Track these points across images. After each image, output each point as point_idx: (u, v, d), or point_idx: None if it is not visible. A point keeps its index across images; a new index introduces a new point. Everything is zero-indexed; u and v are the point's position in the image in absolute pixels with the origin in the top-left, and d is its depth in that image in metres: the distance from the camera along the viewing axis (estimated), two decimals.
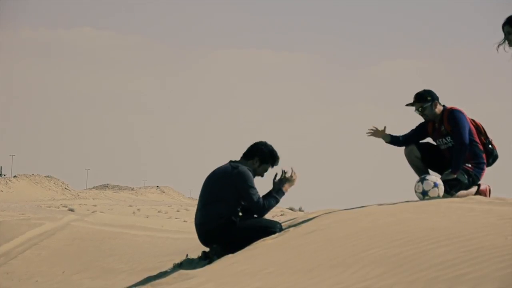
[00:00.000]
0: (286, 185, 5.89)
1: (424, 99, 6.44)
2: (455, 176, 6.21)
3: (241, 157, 5.88)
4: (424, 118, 6.53)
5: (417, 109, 6.49)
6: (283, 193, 5.85)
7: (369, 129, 6.62)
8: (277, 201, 5.82)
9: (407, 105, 6.53)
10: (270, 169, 5.92)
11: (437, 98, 6.47)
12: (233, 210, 5.68)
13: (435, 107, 6.46)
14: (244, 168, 5.70)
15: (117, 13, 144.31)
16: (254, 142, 5.94)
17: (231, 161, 5.83)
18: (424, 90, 6.49)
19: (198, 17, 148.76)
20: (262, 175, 5.90)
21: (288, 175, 5.91)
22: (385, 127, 6.59)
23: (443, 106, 6.49)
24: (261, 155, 5.85)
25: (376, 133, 6.62)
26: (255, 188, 5.68)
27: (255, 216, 5.72)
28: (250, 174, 5.71)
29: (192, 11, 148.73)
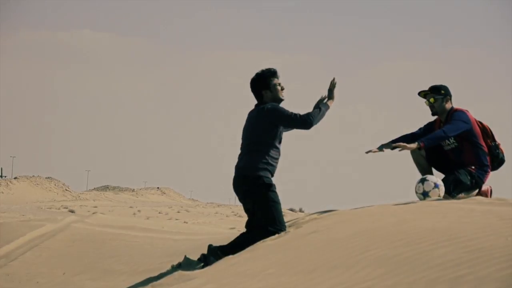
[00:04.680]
0: (330, 101, 5.92)
1: (438, 92, 6.47)
2: (417, 145, 6.13)
3: (258, 102, 5.95)
4: (432, 111, 6.51)
5: (428, 100, 6.48)
6: (327, 106, 5.88)
7: (366, 153, 6.49)
8: (321, 111, 5.80)
9: (419, 92, 6.53)
10: (280, 81, 5.93)
11: (450, 96, 6.49)
12: (276, 156, 5.79)
13: (446, 103, 6.46)
14: (269, 104, 5.82)
15: (116, 16, 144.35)
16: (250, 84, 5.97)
17: (256, 105, 5.94)
18: (440, 84, 6.53)
19: (199, 19, 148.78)
20: (282, 95, 5.91)
21: (331, 86, 5.93)
22: (380, 149, 6.49)
23: (452, 106, 6.49)
24: (260, 84, 5.90)
25: (375, 152, 6.54)
26: (286, 110, 5.75)
27: (305, 129, 5.76)
28: (277, 105, 5.82)
29: (193, 13, 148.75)
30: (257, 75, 5.94)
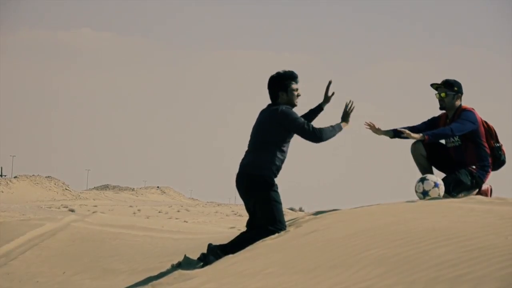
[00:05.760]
0: (344, 123, 5.93)
1: (451, 87, 6.44)
2: (422, 137, 6.15)
3: (273, 102, 5.89)
4: (441, 105, 6.48)
5: (439, 93, 6.46)
6: (340, 127, 5.88)
7: (366, 123, 6.56)
8: (334, 130, 5.80)
9: (432, 84, 6.51)
10: (298, 87, 5.88)
11: (461, 93, 6.46)
12: (281, 158, 5.77)
13: (456, 100, 6.44)
14: (283, 107, 5.78)
15: (116, 15, 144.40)
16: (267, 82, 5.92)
17: (269, 105, 5.90)
18: (455, 80, 6.49)
19: (199, 18, 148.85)
20: (296, 101, 5.88)
21: (348, 109, 5.94)
22: (379, 128, 6.53)
23: (461, 104, 6.48)
24: (279, 85, 5.85)
25: (374, 130, 6.57)
26: (299, 118, 5.74)
27: (313, 142, 5.74)
28: (291, 110, 5.79)
29: (193, 12, 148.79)
30: (278, 75, 5.89)
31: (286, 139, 5.81)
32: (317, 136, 5.72)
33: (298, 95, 5.89)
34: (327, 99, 6.15)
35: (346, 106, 6.02)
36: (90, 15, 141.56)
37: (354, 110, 6.03)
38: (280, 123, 5.73)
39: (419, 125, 6.62)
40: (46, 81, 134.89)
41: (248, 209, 5.86)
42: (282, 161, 5.83)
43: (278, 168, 5.80)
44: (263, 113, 5.91)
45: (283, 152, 5.83)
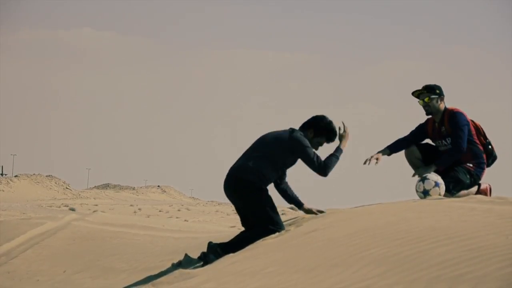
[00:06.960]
0: (343, 142, 5.91)
1: (433, 91, 6.45)
2: (436, 169, 6.24)
3: (300, 127, 5.93)
4: (426, 111, 6.50)
5: (422, 99, 6.46)
6: (341, 151, 5.89)
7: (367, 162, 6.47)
8: (338, 159, 5.84)
9: (414, 92, 6.52)
10: (325, 145, 5.93)
11: (443, 95, 6.48)
12: (272, 175, 5.77)
13: (440, 103, 6.46)
14: (299, 133, 5.81)
15: (117, 14, 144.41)
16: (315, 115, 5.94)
17: (291, 128, 5.90)
18: (434, 84, 6.51)
19: (199, 18, 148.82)
20: (316, 148, 5.89)
21: (341, 131, 5.92)
22: (377, 159, 6.45)
23: (445, 106, 6.50)
24: (316, 126, 5.88)
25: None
26: (311, 148, 5.77)
27: (320, 175, 5.78)
28: (305, 139, 5.79)
29: (193, 12, 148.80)
30: (326, 123, 5.89)
31: (286, 162, 5.83)
32: (322, 172, 5.76)
33: (319, 146, 5.92)
34: (308, 212, 6.17)
35: (340, 129, 5.93)
36: (91, 15, 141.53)
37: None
38: (291, 148, 5.75)
39: (407, 136, 6.62)
40: (46, 81, 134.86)
41: (238, 210, 5.88)
42: (272, 179, 5.83)
43: (266, 181, 5.78)
44: (282, 131, 5.88)
45: (277, 172, 5.83)
